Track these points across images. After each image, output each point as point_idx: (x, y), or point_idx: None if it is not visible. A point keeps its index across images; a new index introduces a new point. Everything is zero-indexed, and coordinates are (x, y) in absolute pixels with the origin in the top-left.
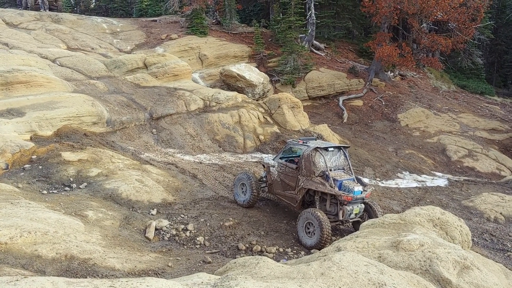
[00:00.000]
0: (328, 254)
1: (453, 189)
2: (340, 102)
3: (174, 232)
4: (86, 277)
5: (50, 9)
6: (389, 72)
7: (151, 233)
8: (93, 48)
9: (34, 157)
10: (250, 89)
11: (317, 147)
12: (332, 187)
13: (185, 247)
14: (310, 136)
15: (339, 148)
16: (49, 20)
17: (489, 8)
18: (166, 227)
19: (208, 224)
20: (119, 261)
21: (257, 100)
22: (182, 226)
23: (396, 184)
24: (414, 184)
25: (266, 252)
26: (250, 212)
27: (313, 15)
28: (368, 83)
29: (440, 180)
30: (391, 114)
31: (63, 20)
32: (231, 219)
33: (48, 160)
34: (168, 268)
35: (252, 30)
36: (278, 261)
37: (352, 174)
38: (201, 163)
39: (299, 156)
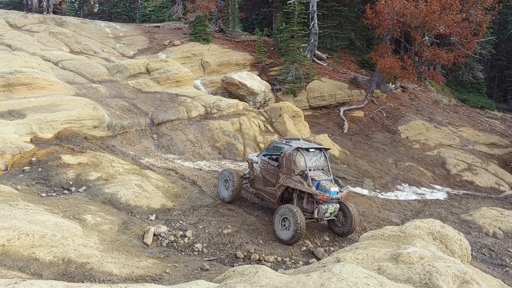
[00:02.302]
0: (328, 265)
1: (452, 203)
2: (341, 113)
3: (172, 238)
4: (83, 281)
5: (54, 12)
6: (390, 84)
7: (149, 239)
8: (95, 52)
9: (34, 159)
10: (251, 97)
11: (299, 147)
12: (309, 186)
13: (183, 253)
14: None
15: (320, 149)
16: (52, 23)
17: (491, 24)
18: (165, 233)
19: (206, 231)
20: (117, 266)
21: (258, 108)
22: (181, 233)
23: (396, 196)
24: (414, 197)
25: (264, 261)
26: (248, 220)
27: (316, 25)
28: (369, 94)
29: (439, 193)
30: (391, 125)
31: (66, 24)
32: (229, 226)
33: (48, 162)
34: (165, 274)
35: (255, 39)
36: (277, 270)
37: (330, 175)
38: (201, 169)
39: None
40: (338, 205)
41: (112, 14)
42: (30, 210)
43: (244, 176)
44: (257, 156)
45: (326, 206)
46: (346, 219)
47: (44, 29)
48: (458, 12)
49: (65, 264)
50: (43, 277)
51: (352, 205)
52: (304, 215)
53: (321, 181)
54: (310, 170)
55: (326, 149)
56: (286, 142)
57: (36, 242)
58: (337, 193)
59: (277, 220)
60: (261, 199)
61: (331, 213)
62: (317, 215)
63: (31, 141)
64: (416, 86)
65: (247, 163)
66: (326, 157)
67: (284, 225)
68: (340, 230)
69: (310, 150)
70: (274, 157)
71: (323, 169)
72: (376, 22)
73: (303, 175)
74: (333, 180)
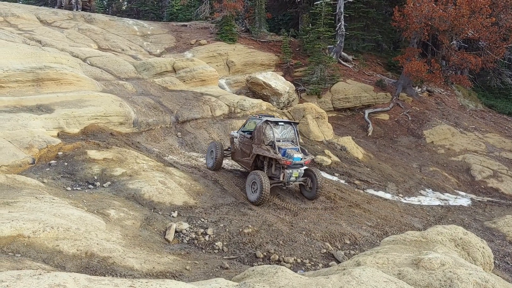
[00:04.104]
0: (348, 268)
1: (476, 210)
2: (366, 115)
3: (193, 235)
4: (105, 275)
5: (83, 9)
6: (416, 88)
7: (170, 235)
8: (123, 49)
9: (60, 153)
10: (275, 98)
11: (267, 120)
12: (276, 153)
13: (204, 251)
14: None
15: (289, 123)
16: (82, 20)
17: None
18: (186, 230)
19: (227, 229)
20: (138, 262)
21: (281, 109)
22: (202, 230)
23: (419, 201)
24: (437, 202)
25: (284, 261)
26: (269, 220)
27: (342, 26)
28: (395, 97)
29: (463, 200)
30: (416, 130)
31: (95, 21)
32: (250, 226)
33: (73, 157)
34: (185, 271)
35: (280, 39)
36: (296, 271)
37: (297, 145)
38: (223, 168)
39: None
40: (302, 170)
41: (140, 12)
42: (55, 204)
43: (227, 149)
44: (237, 132)
45: (290, 170)
46: (313, 185)
47: (74, 25)
48: (488, 16)
49: (88, 258)
50: (66, 270)
51: (319, 173)
52: (273, 180)
53: (287, 150)
54: (279, 141)
55: (296, 123)
56: (259, 117)
57: (60, 235)
58: (301, 159)
59: (248, 184)
60: (240, 169)
61: (296, 177)
62: (283, 178)
63: (58, 135)
64: (442, 90)
65: (229, 139)
66: (295, 131)
67: (253, 188)
68: (308, 194)
69: (279, 123)
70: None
71: (292, 141)
72: (403, 24)
73: (272, 145)
74: (299, 149)
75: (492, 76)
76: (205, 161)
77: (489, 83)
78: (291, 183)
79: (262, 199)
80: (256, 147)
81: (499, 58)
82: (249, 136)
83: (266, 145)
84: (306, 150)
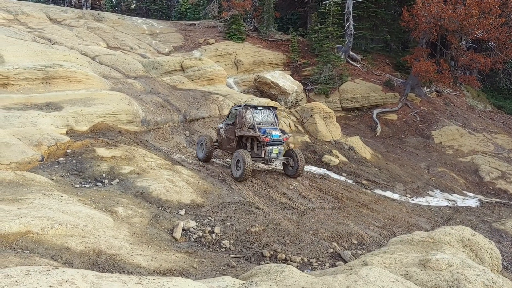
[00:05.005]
0: (355, 268)
1: (484, 211)
2: (374, 115)
3: (200, 233)
4: (112, 272)
5: (93, 8)
6: (425, 88)
7: (178, 233)
8: (132, 48)
9: (69, 151)
10: (283, 97)
11: (246, 105)
12: (256, 132)
13: (211, 249)
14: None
15: (268, 107)
16: (91, 18)
17: None
18: (193, 228)
19: (234, 228)
20: (145, 259)
21: (289, 108)
22: (209, 229)
23: (427, 201)
24: (445, 203)
25: (291, 261)
26: (276, 219)
27: (351, 26)
28: (403, 98)
29: (471, 201)
30: (425, 130)
31: (104, 19)
32: (257, 225)
33: (82, 155)
34: (192, 269)
35: (289, 38)
36: (302, 271)
37: (277, 126)
38: (230, 167)
39: None
40: (282, 148)
41: (149, 11)
42: (63, 201)
43: (216, 142)
44: (222, 124)
45: (270, 147)
46: (294, 164)
47: (83, 24)
48: (498, 16)
49: (96, 255)
50: (74, 266)
51: (300, 153)
52: (256, 158)
53: (267, 129)
54: (259, 124)
55: (274, 108)
56: (240, 105)
57: (68, 232)
58: (279, 136)
59: (233, 162)
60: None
61: (276, 154)
62: (264, 155)
63: (67, 133)
64: (451, 90)
65: (216, 131)
66: (274, 114)
67: (238, 166)
68: (290, 172)
69: (258, 108)
70: None
71: (272, 124)
72: (412, 24)
73: (253, 128)
74: (278, 129)
75: (501, 77)
76: (212, 159)
77: (498, 84)
78: (273, 159)
79: (246, 175)
80: (238, 131)
81: (508, 59)
82: (231, 123)
83: (247, 128)
84: (285, 131)
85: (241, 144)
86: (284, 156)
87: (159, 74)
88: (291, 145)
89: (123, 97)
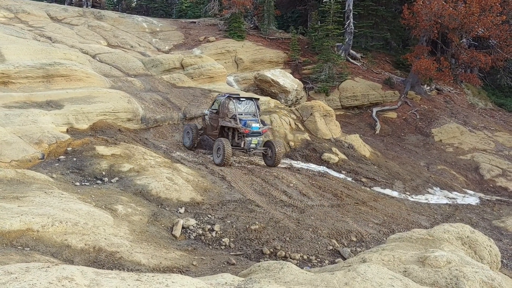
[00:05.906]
0: (353, 265)
1: (484, 208)
2: (374, 113)
3: (200, 231)
4: (112, 270)
5: (93, 6)
6: (425, 86)
7: (177, 231)
8: (132, 46)
9: (69, 149)
10: (283, 95)
11: (229, 96)
12: (237, 124)
13: (210, 247)
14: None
15: (251, 99)
16: (91, 17)
17: None
18: (193, 226)
19: (234, 226)
20: (145, 257)
21: (289, 107)
22: (209, 226)
23: (426, 199)
24: (445, 201)
25: (290, 258)
26: (276, 217)
27: (351, 24)
28: (403, 96)
29: (471, 199)
30: (425, 128)
31: (105, 18)
32: (257, 222)
33: (82, 153)
34: (192, 266)
35: (289, 37)
36: (302, 268)
37: (258, 118)
38: (230, 165)
39: None
40: (260, 139)
41: (149, 9)
42: (64, 198)
43: (201, 129)
44: (207, 111)
45: (250, 138)
46: (272, 154)
47: (83, 22)
48: (498, 14)
49: (96, 252)
50: (74, 264)
51: (278, 143)
52: (236, 147)
53: (247, 121)
54: (241, 114)
55: (257, 99)
56: (224, 95)
57: (68, 230)
58: (259, 128)
59: (214, 150)
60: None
61: (255, 145)
62: (244, 145)
63: (67, 131)
64: (451, 88)
65: (201, 117)
66: (256, 106)
67: (218, 154)
68: (269, 162)
69: (241, 99)
70: None
71: (253, 115)
72: (413, 22)
73: (234, 118)
74: (258, 121)
75: (502, 74)
76: (211, 157)
77: (499, 81)
78: (252, 150)
79: (225, 161)
80: (221, 120)
81: (509, 56)
82: (215, 112)
83: (229, 118)
84: (265, 122)
85: (224, 133)
86: (263, 146)
87: (159, 72)
88: (291, 143)
89: (123, 95)
